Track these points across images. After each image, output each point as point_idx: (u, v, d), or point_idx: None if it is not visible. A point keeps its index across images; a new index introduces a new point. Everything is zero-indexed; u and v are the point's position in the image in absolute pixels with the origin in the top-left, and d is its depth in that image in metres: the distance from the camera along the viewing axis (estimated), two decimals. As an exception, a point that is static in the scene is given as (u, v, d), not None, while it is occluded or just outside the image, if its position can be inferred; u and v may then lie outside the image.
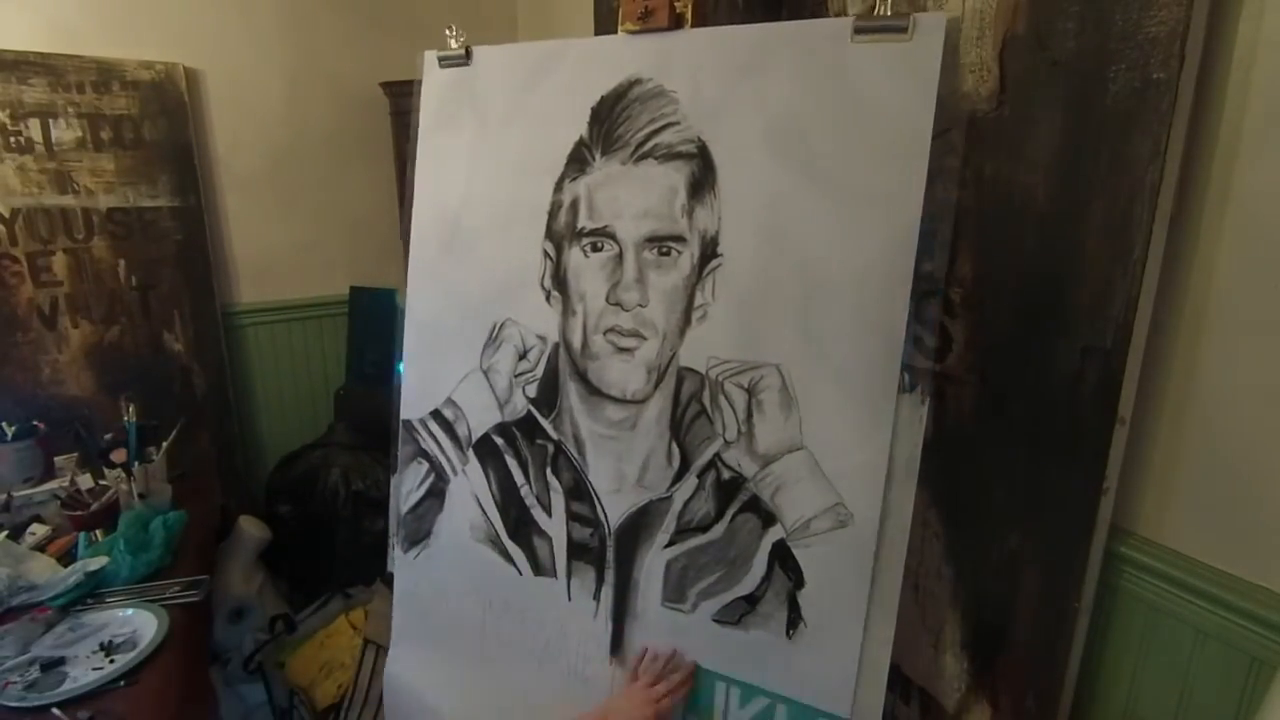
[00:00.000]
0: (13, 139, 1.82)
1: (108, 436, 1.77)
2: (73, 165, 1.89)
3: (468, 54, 1.17)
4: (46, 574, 1.41)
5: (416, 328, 1.25)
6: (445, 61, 1.19)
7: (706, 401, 1.02)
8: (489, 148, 1.16)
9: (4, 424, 1.75)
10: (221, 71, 2.08)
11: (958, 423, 1.11)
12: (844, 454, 0.94)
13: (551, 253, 1.11)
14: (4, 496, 1.62)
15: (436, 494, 1.24)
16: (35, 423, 1.80)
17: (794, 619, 0.99)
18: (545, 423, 1.14)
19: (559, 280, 1.11)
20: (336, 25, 2.20)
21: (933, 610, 1.18)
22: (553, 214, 1.11)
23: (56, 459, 1.79)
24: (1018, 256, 1.01)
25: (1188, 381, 0.93)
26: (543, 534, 1.16)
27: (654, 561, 1.07)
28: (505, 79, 1.15)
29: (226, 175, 2.14)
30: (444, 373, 1.22)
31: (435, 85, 1.21)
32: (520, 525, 1.18)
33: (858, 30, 0.89)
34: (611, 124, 1.05)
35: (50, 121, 1.85)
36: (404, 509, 1.28)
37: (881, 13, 0.88)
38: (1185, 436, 0.94)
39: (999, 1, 0.99)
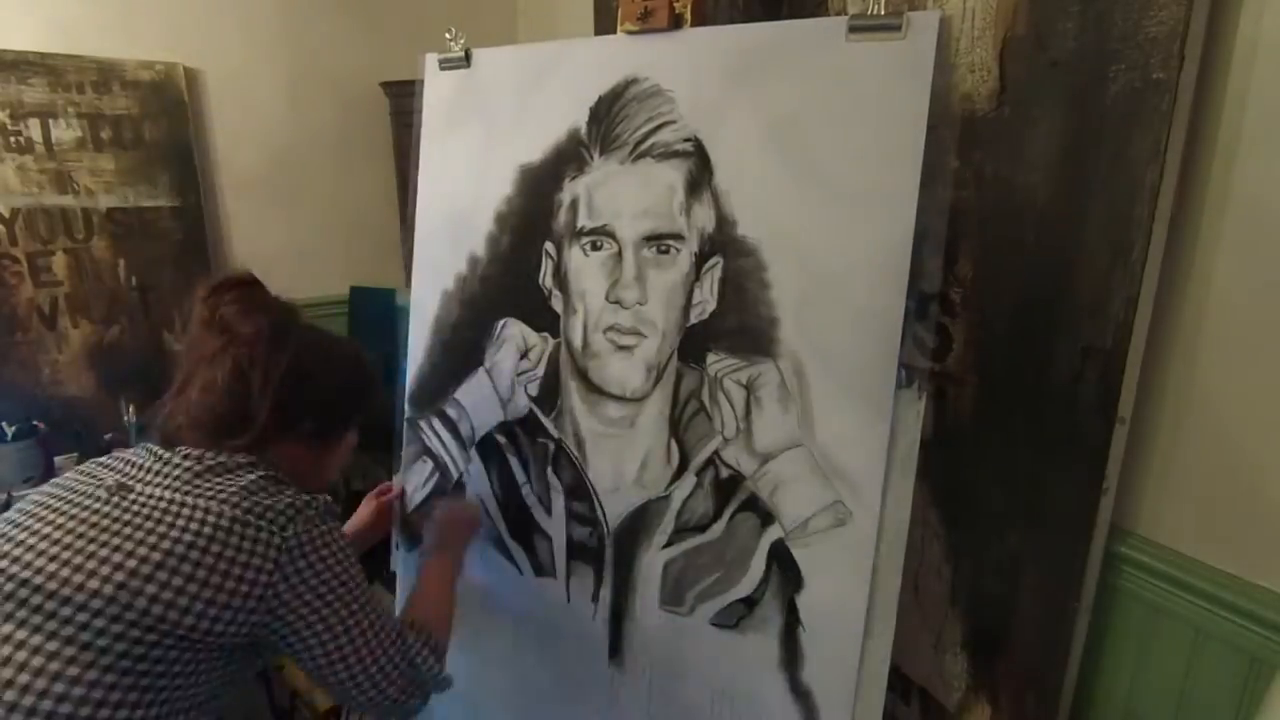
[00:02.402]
0: (13, 139, 1.81)
1: (108, 436, 1.77)
2: (73, 165, 1.89)
3: (467, 56, 1.17)
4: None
5: (421, 327, 1.25)
6: (445, 64, 1.19)
7: (705, 399, 1.02)
8: (496, 149, 1.16)
9: (4, 424, 1.75)
10: (221, 71, 2.08)
11: (958, 422, 1.11)
12: (842, 451, 0.94)
13: (552, 252, 1.12)
14: (4, 496, 1.62)
15: (441, 493, 1.24)
16: (35, 423, 1.80)
17: (792, 622, 0.99)
18: (546, 421, 1.14)
19: (560, 279, 1.11)
20: (336, 25, 2.20)
21: (933, 610, 1.18)
22: (553, 214, 1.11)
23: (56, 459, 1.79)
24: (1018, 256, 1.01)
25: (1188, 381, 0.93)
26: (543, 533, 1.16)
27: (651, 562, 1.07)
28: (509, 81, 1.15)
29: (226, 175, 2.14)
30: (448, 372, 1.22)
31: (438, 88, 1.21)
32: (521, 525, 1.18)
33: (852, 29, 0.89)
34: (609, 123, 1.05)
35: (50, 121, 1.85)
36: (408, 507, 1.28)
37: (875, 12, 0.88)
38: (1185, 436, 0.94)
39: (999, 1, 0.99)
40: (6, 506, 1.60)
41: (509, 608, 1.21)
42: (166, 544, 0.74)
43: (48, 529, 0.76)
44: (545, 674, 1.19)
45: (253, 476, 0.82)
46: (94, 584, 0.72)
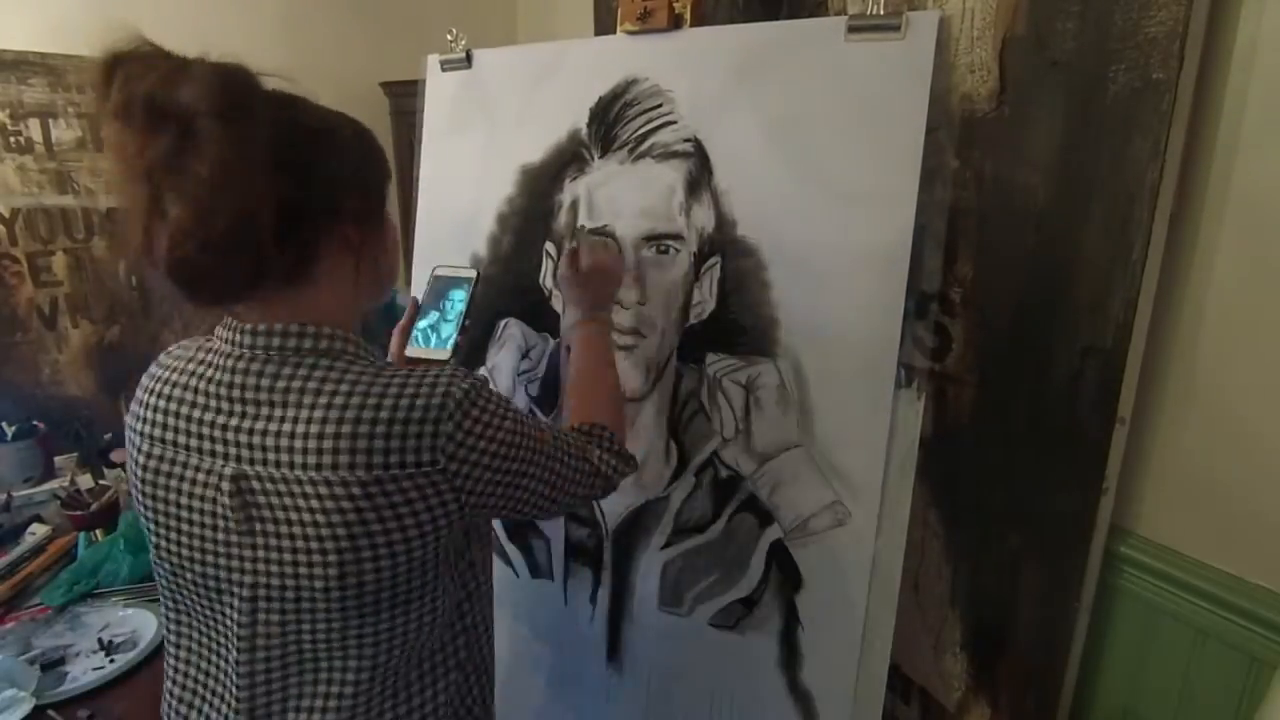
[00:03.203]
0: (13, 139, 1.81)
1: (108, 436, 1.78)
2: (73, 165, 1.89)
3: (468, 57, 1.17)
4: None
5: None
6: (447, 65, 1.20)
7: (705, 399, 1.02)
8: (498, 149, 1.16)
9: (4, 424, 1.75)
10: (221, 71, 2.07)
11: (958, 422, 1.11)
12: (842, 451, 0.94)
13: (552, 252, 1.12)
14: (4, 496, 1.62)
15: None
16: (35, 423, 1.80)
17: (791, 622, 0.99)
18: (546, 421, 1.14)
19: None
20: (336, 25, 2.20)
21: (933, 610, 1.18)
22: (554, 214, 1.11)
23: (56, 459, 1.79)
24: (1018, 256, 1.01)
25: (1188, 381, 0.93)
26: (540, 535, 1.16)
27: (650, 563, 1.07)
28: (510, 82, 1.15)
29: (226, 175, 2.14)
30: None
31: (440, 89, 1.22)
32: (518, 526, 1.18)
33: (851, 29, 0.89)
34: (609, 124, 1.05)
35: (50, 121, 1.85)
36: None
37: (875, 12, 0.88)
38: (1185, 436, 0.94)
39: (999, 2, 0.98)
40: (6, 507, 1.60)
41: (506, 609, 1.20)
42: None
43: None
44: (543, 676, 1.19)
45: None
46: None
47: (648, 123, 1.02)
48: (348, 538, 0.63)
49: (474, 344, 1.19)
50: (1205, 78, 0.86)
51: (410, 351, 0.98)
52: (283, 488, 0.64)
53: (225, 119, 0.58)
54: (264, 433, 0.64)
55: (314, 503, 0.63)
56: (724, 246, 0.99)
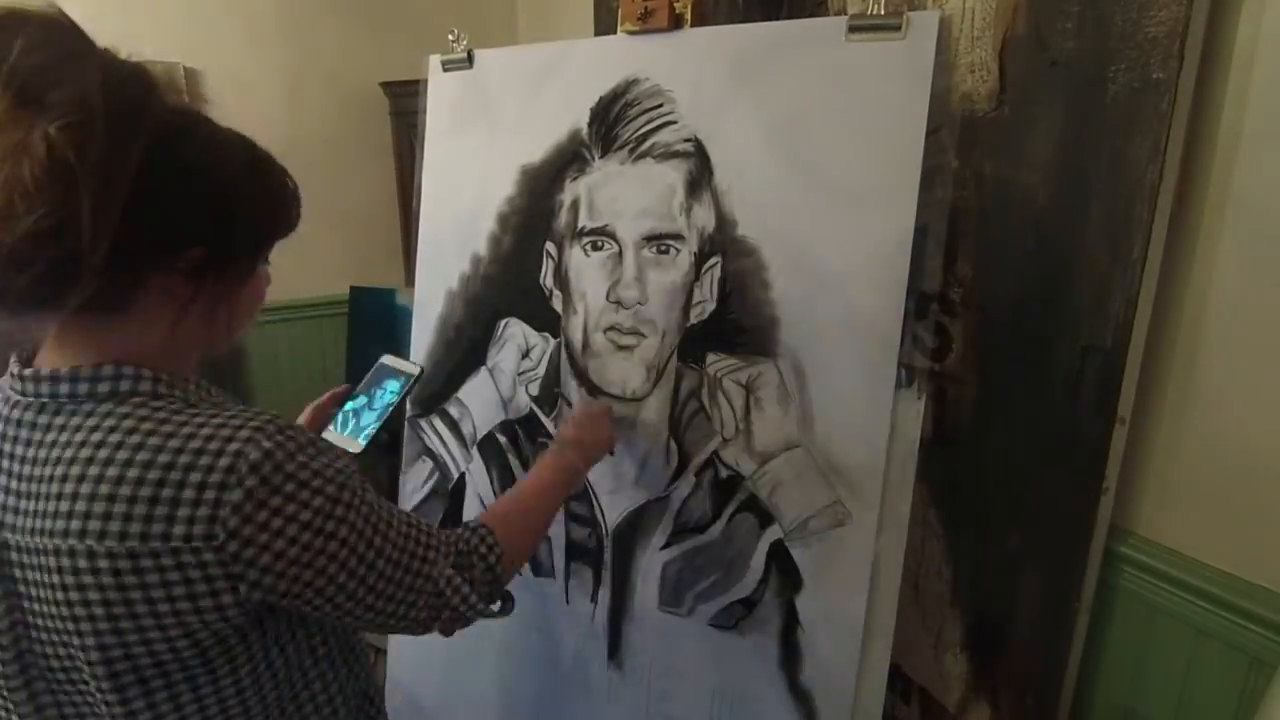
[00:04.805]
0: (13, 139, 1.81)
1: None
2: (73, 165, 1.89)
3: (470, 57, 1.18)
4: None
5: (425, 327, 1.25)
6: (448, 65, 1.20)
7: (705, 399, 1.02)
8: (499, 149, 1.16)
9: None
10: (221, 71, 2.08)
11: (957, 423, 1.11)
12: (842, 451, 0.94)
13: (553, 252, 1.12)
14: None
15: (440, 493, 1.24)
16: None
17: (791, 623, 0.99)
18: (546, 421, 1.14)
19: (560, 279, 1.11)
20: (336, 25, 2.20)
21: (933, 610, 1.18)
22: (554, 214, 1.11)
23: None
24: (1018, 256, 1.01)
25: (1188, 381, 0.93)
26: (542, 534, 1.16)
27: (650, 563, 1.07)
28: (511, 82, 1.15)
29: (226, 175, 2.14)
30: (450, 371, 1.22)
31: (441, 89, 1.22)
32: (520, 525, 1.18)
33: (852, 29, 0.89)
34: (610, 124, 1.05)
35: (50, 121, 1.85)
36: (406, 509, 1.28)
37: (875, 12, 0.88)
38: (1185, 436, 0.94)
39: (999, 2, 0.99)
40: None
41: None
42: None
43: None
44: (544, 674, 1.19)
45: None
46: None
47: (648, 123, 1.02)
48: (106, 618, 0.54)
49: (474, 344, 1.19)
50: (1205, 78, 0.86)
51: (326, 433, 0.92)
52: (32, 559, 0.55)
53: (96, 124, 0.50)
54: (21, 494, 0.56)
55: (66, 578, 0.53)
56: (724, 246, 0.99)
